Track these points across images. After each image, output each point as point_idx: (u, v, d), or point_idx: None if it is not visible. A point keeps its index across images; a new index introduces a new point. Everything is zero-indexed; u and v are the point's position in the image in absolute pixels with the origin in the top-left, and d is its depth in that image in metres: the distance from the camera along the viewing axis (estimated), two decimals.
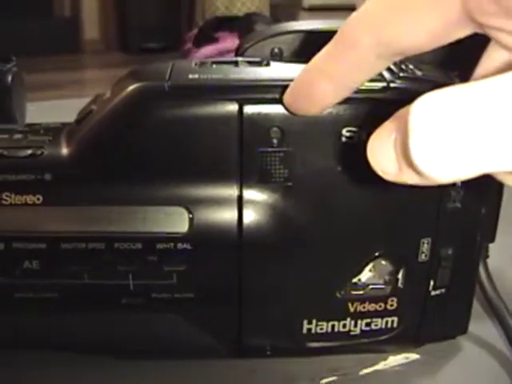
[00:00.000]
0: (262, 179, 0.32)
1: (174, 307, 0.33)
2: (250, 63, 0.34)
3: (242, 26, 3.39)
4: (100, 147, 0.32)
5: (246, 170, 0.32)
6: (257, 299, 0.34)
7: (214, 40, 3.40)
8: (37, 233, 0.32)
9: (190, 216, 0.32)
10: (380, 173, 0.21)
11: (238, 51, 0.39)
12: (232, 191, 0.32)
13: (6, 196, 0.31)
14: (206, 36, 3.43)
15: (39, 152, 0.33)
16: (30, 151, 0.33)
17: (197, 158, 0.32)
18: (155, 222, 0.32)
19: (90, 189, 0.32)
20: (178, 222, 0.32)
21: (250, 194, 0.32)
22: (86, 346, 0.35)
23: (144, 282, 0.32)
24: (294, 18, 3.83)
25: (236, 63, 0.33)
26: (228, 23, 3.46)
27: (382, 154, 0.21)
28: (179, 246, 0.32)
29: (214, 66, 0.33)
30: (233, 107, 0.31)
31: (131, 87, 0.32)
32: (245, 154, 0.32)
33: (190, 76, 0.32)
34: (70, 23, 3.69)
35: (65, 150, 0.33)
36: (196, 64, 0.33)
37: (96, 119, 0.32)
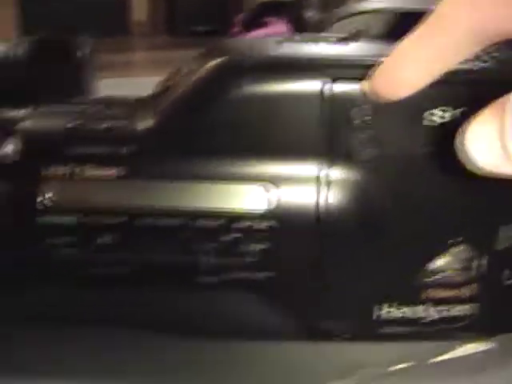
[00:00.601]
0: (345, 159, 0.31)
1: (254, 287, 0.33)
2: (333, 40, 0.33)
3: (291, 11, 3.39)
4: (181, 121, 0.31)
5: (329, 149, 0.31)
6: (335, 281, 0.33)
7: (263, 24, 3.39)
8: (114, 207, 0.31)
9: (273, 194, 0.31)
10: (478, 164, 0.20)
11: (319, 27, 0.38)
12: (314, 170, 0.31)
13: (84, 169, 0.31)
14: (255, 20, 3.43)
15: (117, 125, 0.32)
16: (107, 124, 0.32)
17: (280, 135, 0.31)
18: (237, 198, 0.31)
19: (170, 163, 0.31)
20: (260, 199, 0.31)
21: (332, 173, 0.31)
22: (158, 325, 0.35)
23: (223, 261, 0.32)
24: (344, 4, 3.79)
25: (317, 40, 0.33)
26: (277, 8, 3.46)
27: (481, 144, 0.20)
28: (261, 223, 0.31)
29: (296, 43, 0.32)
30: (316, 85, 0.30)
31: (213, 62, 0.31)
32: (328, 132, 0.31)
33: (273, 52, 0.31)
34: (118, 5, 3.70)
35: (144, 124, 0.32)
36: (276, 41, 0.33)
37: (177, 93, 0.32)
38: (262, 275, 0.32)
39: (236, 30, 3.28)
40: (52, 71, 0.37)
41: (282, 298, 0.33)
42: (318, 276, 0.33)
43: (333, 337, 0.35)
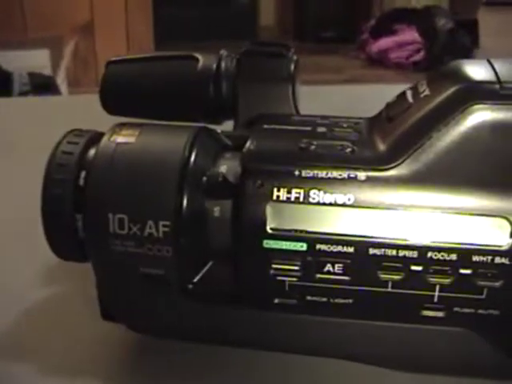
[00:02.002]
0: None
1: (474, 323, 0.31)
2: None
3: (421, 19, 3.33)
4: (420, 149, 0.29)
5: None
6: None
7: (392, 32, 3.36)
8: (344, 235, 0.29)
9: (511, 229, 0.29)
10: None
11: None
12: None
13: (314, 194, 0.30)
14: (384, 27, 3.39)
15: (350, 148, 0.30)
16: (339, 147, 0.31)
17: None
18: (473, 232, 0.29)
19: (406, 193, 0.29)
20: (497, 234, 0.29)
21: None
22: (367, 357, 0.33)
23: (450, 295, 0.30)
24: (473, 12, 3.71)
25: None
26: (406, 15, 3.42)
27: None
28: (497, 259, 0.29)
29: None
30: None
31: (456, 86, 0.29)
32: None
33: None
34: (247, 10, 3.74)
35: (379, 149, 0.30)
36: None
37: (415, 119, 0.30)
38: (485, 312, 0.30)
39: (364, 36, 3.29)
40: (262, 86, 0.36)
41: (501, 336, 0.31)
42: None
43: None
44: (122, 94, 0.39)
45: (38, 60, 2.21)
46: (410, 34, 3.22)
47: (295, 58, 0.37)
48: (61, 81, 2.27)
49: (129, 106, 0.39)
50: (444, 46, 3.13)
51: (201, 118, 0.38)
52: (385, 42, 3.24)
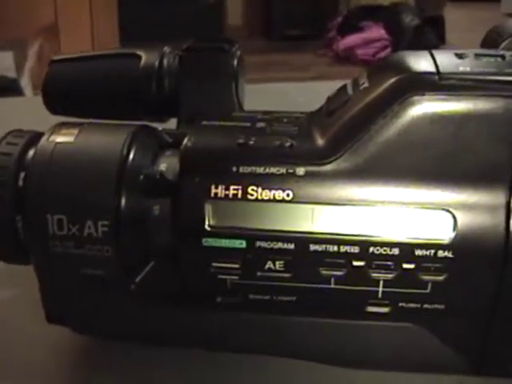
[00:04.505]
0: None
1: (420, 318, 0.31)
2: None
3: (388, 15, 3.34)
4: (358, 143, 0.29)
5: None
6: (510, 314, 0.30)
7: (359, 29, 3.36)
8: (284, 232, 0.29)
9: (454, 222, 0.28)
10: None
11: (485, 42, 0.35)
12: (500, 197, 0.28)
13: (252, 190, 0.29)
14: (351, 25, 3.40)
15: (288, 143, 0.30)
16: (278, 142, 0.30)
17: (463, 159, 0.28)
18: (415, 226, 0.28)
19: (346, 187, 0.29)
20: (440, 227, 0.28)
21: None
22: (313, 354, 0.33)
23: (394, 290, 0.29)
24: (439, 8, 3.74)
25: (503, 57, 0.30)
26: (373, 12, 3.43)
27: None
28: (440, 253, 0.28)
29: (479, 58, 0.30)
30: (509, 104, 0.28)
31: (395, 77, 0.29)
32: None
33: (461, 68, 0.29)
34: (214, 9, 3.73)
35: (318, 143, 0.30)
36: (457, 55, 0.30)
37: (354, 112, 0.29)
38: (431, 307, 0.30)
39: (331, 34, 3.29)
40: (204, 83, 0.36)
41: (448, 331, 0.31)
42: (491, 309, 0.30)
43: (496, 371, 0.33)
44: (65, 93, 0.39)
45: (1, 62, 2.19)
46: (377, 31, 3.24)
47: (239, 53, 0.37)
48: (25, 83, 2.24)
49: (72, 106, 0.39)
50: (410, 43, 3.15)
51: (144, 115, 0.37)
52: (352, 39, 3.25)
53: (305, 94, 0.71)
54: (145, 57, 0.37)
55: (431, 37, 3.31)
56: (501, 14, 4.20)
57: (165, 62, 0.37)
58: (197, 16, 3.54)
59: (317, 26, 3.57)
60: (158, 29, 3.37)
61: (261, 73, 2.47)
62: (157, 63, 0.37)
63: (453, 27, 3.49)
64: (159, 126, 0.35)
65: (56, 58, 0.40)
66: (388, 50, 3.18)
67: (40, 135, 0.33)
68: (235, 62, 0.36)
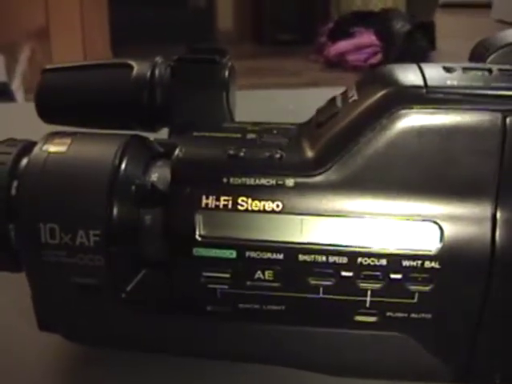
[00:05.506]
0: None
1: (407, 327, 0.31)
2: (506, 71, 0.31)
3: (378, 21, 3.35)
4: (347, 155, 0.29)
5: (504, 187, 0.29)
6: (496, 325, 0.31)
7: (350, 35, 3.37)
8: (273, 242, 0.29)
9: (440, 233, 0.29)
10: None
11: (472, 56, 0.36)
12: (486, 209, 0.29)
13: (243, 201, 0.30)
14: (342, 30, 3.41)
15: (278, 155, 0.30)
16: (268, 153, 0.31)
17: (450, 171, 0.29)
18: (403, 237, 0.29)
19: (334, 199, 0.29)
20: (427, 238, 0.29)
21: (505, 213, 0.29)
22: (304, 363, 0.33)
23: (382, 300, 0.30)
24: (430, 15, 3.75)
25: (489, 70, 0.30)
26: (364, 18, 3.43)
27: None
28: (427, 264, 0.29)
29: (467, 71, 0.30)
30: (495, 118, 0.28)
31: (383, 91, 0.29)
32: (504, 169, 0.29)
33: (449, 82, 0.29)
34: (204, 13, 3.73)
35: (307, 155, 0.31)
36: (445, 68, 0.31)
37: (343, 124, 0.30)
38: (418, 316, 0.31)
39: (322, 39, 3.28)
40: (195, 93, 0.36)
41: (434, 340, 0.32)
42: (477, 319, 0.31)
43: (483, 380, 0.33)
44: (58, 102, 0.39)
45: None
46: (368, 37, 3.24)
47: (230, 64, 0.37)
48: (16, 87, 2.24)
49: (64, 115, 0.39)
50: (401, 49, 3.16)
51: (136, 125, 0.38)
52: (343, 45, 3.25)
53: (294, 102, 0.72)
54: (137, 67, 0.37)
55: (422, 43, 3.32)
56: (491, 20, 4.22)
57: (156, 72, 0.37)
58: (187, 20, 3.54)
59: (308, 31, 3.57)
60: (148, 32, 3.37)
61: (251, 77, 2.47)
62: (149, 73, 0.37)
63: (443, 33, 3.50)
64: (151, 136, 0.35)
65: (48, 67, 0.40)
66: (379, 56, 3.19)
67: (33, 144, 0.33)
68: (226, 72, 0.37)
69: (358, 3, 3.58)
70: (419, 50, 3.24)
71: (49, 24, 2.53)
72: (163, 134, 0.38)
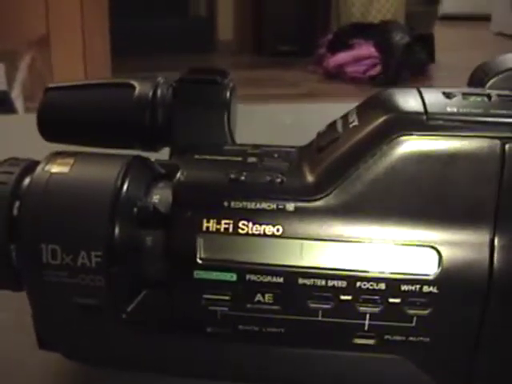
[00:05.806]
0: None
1: (405, 350, 0.31)
2: (505, 97, 0.31)
3: (378, 33, 3.37)
4: (347, 180, 0.29)
5: (502, 213, 0.29)
6: (494, 348, 0.31)
7: (349, 46, 3.38)
8: (273, 266, 0.30)
9: (439, 258, 0.29)
10: None
11: (471, 80, 0.36)
12: (484, 235, 0.29)
13: (243, 225, 0.30)
14: (341, 42, 3.42)
15: (279, 179, 0.31)
16: (269, 178, 0.31)
17: (449, 197, 0.29)
18: (402, 262, 0.29)
19: (334, 223, 0.30)
20: (425, 263, 0.29)
21: (503, 239, 0.29)
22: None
23: (381, 323, 0.30)
24: (429, 27, 3.76)
25: (489, 96, 0.31)
26: (363, 30, 3.45)
27: None
28: (425, 288, 0.29)
29: (466, 97, 0.31)
30: (494, 145, 0.29)
31: (384, 117, 0.30)
32: (502, 196, 0.29)
33: (448, 109, 0.29)
34: (205, 23, 3.74)
35: (308, 180, 0.31)
36: (445, 94, 0.31)
37: (343, 149, 0.30)
38: (416, 339, 0.31)
39: (321, 51, 3.29)
40: (196, 114, 0.36)
41: (432, 363, 0.32)
42: (474, 342, 0.31)
43: None
44: (60, 121, 0.39)
45: None
46: (367, 49, 3.25)
47: (231, 84, 0.37)
48: (16, 95, 2.24)
49: (66, 134, 0.39)
50: (400, 61, 3.17)
51: (138, 145, 0.38)
52: (342, 57, 3.26)
53: (292, 116, 0.72)
54: (139, 87, 0.38)
55: (421, 55, 3.33)
56: (490, 33, 4.24)
57: (158, 92, 0.38)
58: (187, 31, 3.55)
59: (307, 42, 3.59)
60: (149, 43, 3.39)
61: (250, 88, 2.48)
62: (151, 93, 0.38)
63: (442, 46, 3.52)
64: (152, 156, 0.36)
65: (51, 85, 0.40)
66: (378, 68, 3.19)
67: (35, 164, 0.33)
68: (228, 93, 0.37)
69: (357, 15, 3.59)
70: (418, 61, 3.25)
71: (49, 32, 2.53)
72: (163, 153, 0.38)
